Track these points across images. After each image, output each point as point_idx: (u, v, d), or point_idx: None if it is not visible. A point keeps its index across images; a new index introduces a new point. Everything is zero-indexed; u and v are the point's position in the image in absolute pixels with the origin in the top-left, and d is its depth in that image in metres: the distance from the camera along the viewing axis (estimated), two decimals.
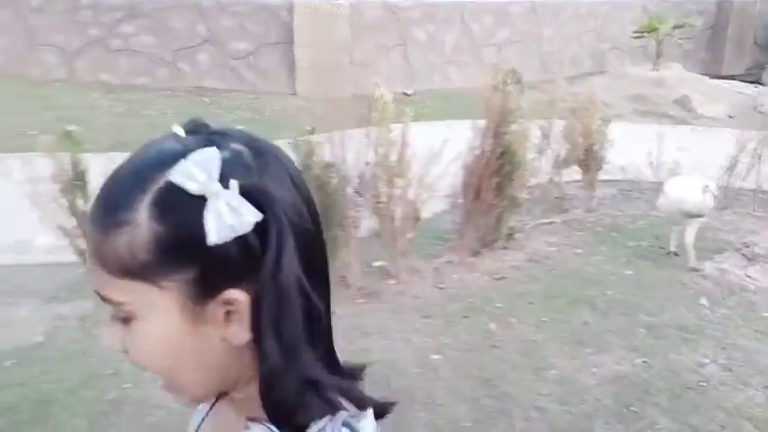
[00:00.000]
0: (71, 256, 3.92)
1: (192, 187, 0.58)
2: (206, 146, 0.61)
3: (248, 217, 0.59)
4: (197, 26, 8.21)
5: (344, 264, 3.76)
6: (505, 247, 4.21)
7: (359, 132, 3.76)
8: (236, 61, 8.36)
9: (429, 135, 3.83)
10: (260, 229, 0.60)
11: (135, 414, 2.76)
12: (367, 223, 3.86)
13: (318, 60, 8.09)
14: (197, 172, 0.59)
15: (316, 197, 3.05)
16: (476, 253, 4.13)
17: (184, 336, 0.62)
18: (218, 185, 0.58)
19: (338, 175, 3.67)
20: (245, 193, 0.59)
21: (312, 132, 3.67)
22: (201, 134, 0.63)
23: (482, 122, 4.11)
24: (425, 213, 4.01)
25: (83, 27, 8.33)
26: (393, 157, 3.74)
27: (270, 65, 8.39)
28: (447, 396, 2.88)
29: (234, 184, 0.59)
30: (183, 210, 0.59)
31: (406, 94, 8.28)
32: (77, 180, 3.38)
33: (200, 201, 0.58)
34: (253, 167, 0.61)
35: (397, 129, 3.75)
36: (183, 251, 0.59)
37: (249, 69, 8.39)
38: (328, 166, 3.67)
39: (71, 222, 3.49)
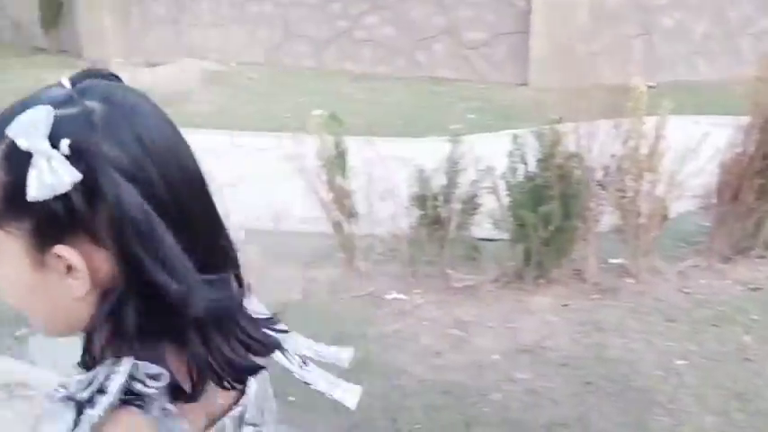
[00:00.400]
0: (322, 227, 4.32)
1: (21, 143, 0.61)
2: (61, 101, 0.63)
3: (65, 177, 0.60)
4: (435, 17, 8.48)
5: (581, 257, 3.70)
6: (763, 256, 3.83)
7: (604, 123, 3.66)
8: (470, 51, 8.50)
9: (675, 130, 3.61)
10: (87, 189, 0.61)
11: (380, 375, 2.99)
12: (608, 218, 3.75)
13: (554, 50, 7.94)
14: (28, 129, 0.61)
15: (557, 187, 3.02)
16: (727, 259, 3.81)
17: (33, 280, 0.66)
18: (45, 143, 0.60)
19: (582, 166, 3.61)
20: (76, 152, 0.60)
21: (558, 121, 3.64)
22: (74, 87, 0.66)
23: (745, 118, 3.77)
24: (670, 213, 3.79)
25: (332, 19, 9.02)
26: (643, 151, 3.59)
27: (502, 55, 8.41)
28: (693, 404, 2.73)
29: (64, 143, 0.60)
30: (19, 164, 0.61)
31: (647, 85, 7.82)
32: (338, 158, 3.71)
33: (30, 157, 0.61)
34: (98, 127, 0.62)
35: (649, 121, 3.58)
36: (19, 203, 0.62)
37: (482, 59, 8.49)
38: (572, 156, 3.62)
39: (328, 196, 3.83)
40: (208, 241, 0.69)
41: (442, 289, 3.63)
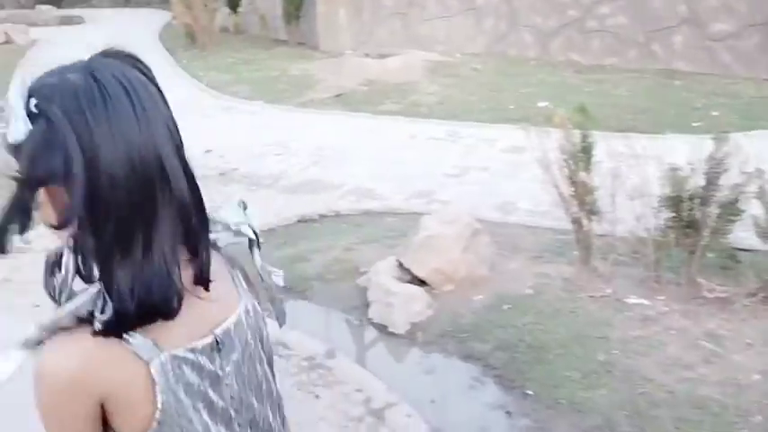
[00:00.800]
0: (552, 221, 4.25)
1: (9, 100, 0.79)
2: (55, 71, 0.80)
3: (21, 127, 0.77)
4: (678, 6, 7.91)
5: None
6: None
7: None
8: (714, 43, 7.81)
9: None
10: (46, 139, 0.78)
11: (624, 381, 2.88)
12: None
13: None
14: (15, 89, 0.79)
15: None
16: None
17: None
18: (18, 101, 0.78)
19: None
20: (41, 110, 0.78)
21: None
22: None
23: None
24: None
25: (562, 8, 8.79)
26: None
27: (752, 47, 7.62)
28: None
29: (32, 102, 0.78)
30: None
31: None
32: (583, 152, 3.61)
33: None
34: (62, 96, 0.77)
35: None
36: None
37: (727, 52, 7.77)
38: None
39: (569, 191, 3.74)
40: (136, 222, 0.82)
41: (690, 298, 3.39)
